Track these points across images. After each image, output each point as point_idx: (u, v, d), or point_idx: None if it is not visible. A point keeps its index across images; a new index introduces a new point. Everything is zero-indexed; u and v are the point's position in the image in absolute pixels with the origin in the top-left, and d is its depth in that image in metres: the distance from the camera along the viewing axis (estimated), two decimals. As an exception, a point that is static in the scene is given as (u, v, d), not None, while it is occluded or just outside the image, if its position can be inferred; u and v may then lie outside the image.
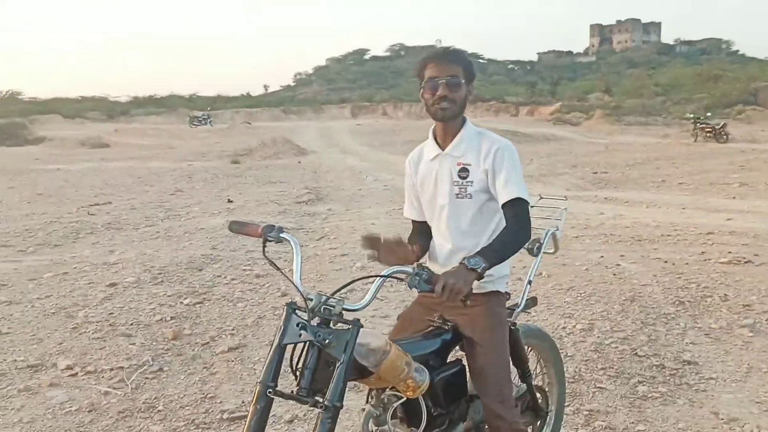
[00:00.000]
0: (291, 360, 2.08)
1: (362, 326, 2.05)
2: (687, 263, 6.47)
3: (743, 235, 7.53)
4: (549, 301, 5.54)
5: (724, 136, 24.85)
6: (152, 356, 4.69)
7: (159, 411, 3.87)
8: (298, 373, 2.08)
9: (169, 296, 6.04)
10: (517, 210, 2.36)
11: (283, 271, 2.30)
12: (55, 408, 3.88)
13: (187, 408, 3.91)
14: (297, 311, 2.08)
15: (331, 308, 2.06)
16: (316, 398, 2.02)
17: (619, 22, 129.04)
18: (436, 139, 2.56)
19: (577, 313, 5.18)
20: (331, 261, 7.31)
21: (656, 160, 17.53)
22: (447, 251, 2.55)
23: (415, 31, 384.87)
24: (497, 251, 2.22)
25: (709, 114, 28.78)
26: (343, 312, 2.06)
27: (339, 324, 2.09)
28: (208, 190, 13.60)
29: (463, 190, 2.48)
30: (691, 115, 27.74)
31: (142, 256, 7.58)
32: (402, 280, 2.09)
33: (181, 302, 5.87)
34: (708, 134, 25.40)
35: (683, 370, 4.14)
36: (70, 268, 7.10)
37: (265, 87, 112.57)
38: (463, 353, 2.59)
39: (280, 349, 2.06)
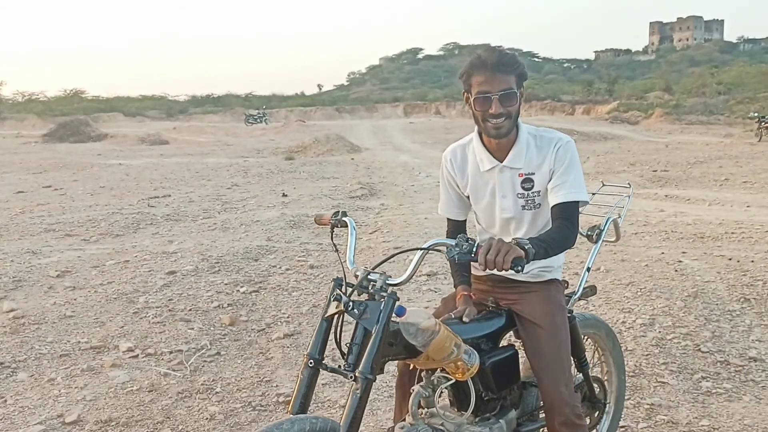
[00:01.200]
0: (336, 333, 2.10)
1: (398, 299, 2.04)
2: (753, 261, 6.23)
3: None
4: (608, 295, 5.42)
5: (787, 136, 23.88)
6: (210, 341, 4.78)
7: (216, 393, 3.94)
8: (345, 348, 2.10)
9: (225, 284, 6.15)
10: (567, 213, 2.26)
11: (338, 249, 2.32)
12: (117, 387, 3.99)
13: (244, 390, 3.97)
14: (342, 285, 2.11)
15: (374, 282, 2.07)
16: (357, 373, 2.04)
17: (680, 19, 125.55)
18: (486, 148, 2.40)
19: (638, 308, 5.04)
20: (384, 253, 7.31)
21: (719, 159, 16.94)
22: None
23: (469, 29, 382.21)
24: (544, 246, 2.09)
25: (775, 112, 27.69)
26: (386, 286, 2.06)
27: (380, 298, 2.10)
28: (263, 185, 13.79)
29: (530, 201, 2.38)
30: (756, 114, 26.72)
31: (200, 246, 7.74)
32: (443, 251, 2.05)
33: (238, 290, 5.97)
34: (768, 133, 24.44)
35: (749, 367, 3.99)
36: (131, 256, 7.31)
37: (319, 86, 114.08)
38: (517, 339, 2.55)
39: (325, 322, 2.09)
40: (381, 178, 14.79)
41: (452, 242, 2.01)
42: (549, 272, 2.45)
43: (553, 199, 2.29)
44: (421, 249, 2.15)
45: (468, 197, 2.52)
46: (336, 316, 2.11)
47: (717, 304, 5.09)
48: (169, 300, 5.66)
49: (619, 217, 2.92)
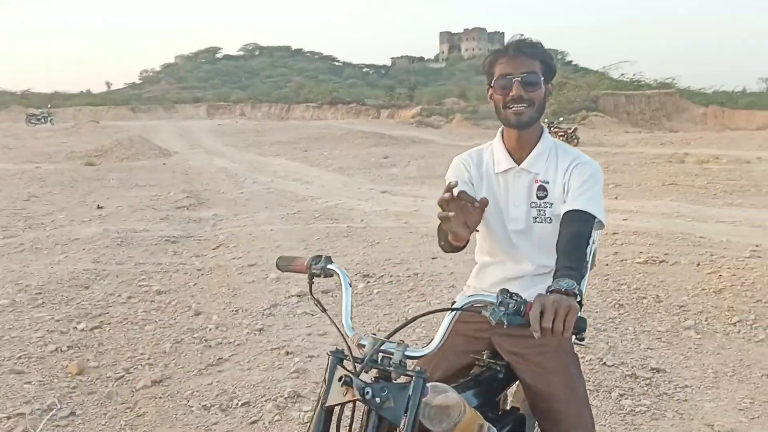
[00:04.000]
0: (338, 427, 1.60)
1: (428, 378, 1.57)
2: (607, 264, 6.51)
3: (646, 234, 7.76)
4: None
5: (575, 140, 26.39)
6: (57, 397, 3.88)
7: (87, 470, 3.14)
8: None
9: (57, 321, 5.15)
10: (582, 227, 1.92)
11: (328, 312, 1.81)
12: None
13: (123, 463, 3.21)
14: (344, 361, 1.60)
15: (390, 356, 1.59)
16: None
17: (466, 30, 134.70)
18: (506, 148, 2.13)
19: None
20: (240, 272, 6.64)
21: (526, 162, 18.12)
22: (522, 280, 2.14)
23: (269, 31, 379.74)
24: (579, 269, 1.76)
25: (561, 119, 30.57)
26: (405, 360, 1.59)
27: (399, 376, 1.61)
28: (68, 195, 12.19)
29: (541, 212, 2.08)
30: (546, 121, 29.27)
31: (10, 273, 6.50)
32: (478, 312, 1.64)
33: (75, 327, 5.02)
34: (561, 138, 26.86)
35: (656, 379, 4.02)
36: None
37: (108, 84, 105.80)
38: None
39: (325, 413, 1.58)
40: (204, 185, 13.79)
41: (493, 299, 1.58)
42: None
43: (570, 206, 1.96)
44: (454, 309, 1.68)
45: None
46: (341, 405, 1.60)
47: (597, 312, 5.18)
48: (-12, 347, 4.58)
49: (594, 243, 2.69)
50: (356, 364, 1.58)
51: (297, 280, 6.21)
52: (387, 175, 16.01)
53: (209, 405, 3.79)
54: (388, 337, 1.64)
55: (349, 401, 1.56)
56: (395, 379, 1.58)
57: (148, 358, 4.49)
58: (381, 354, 1.60)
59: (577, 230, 1.91)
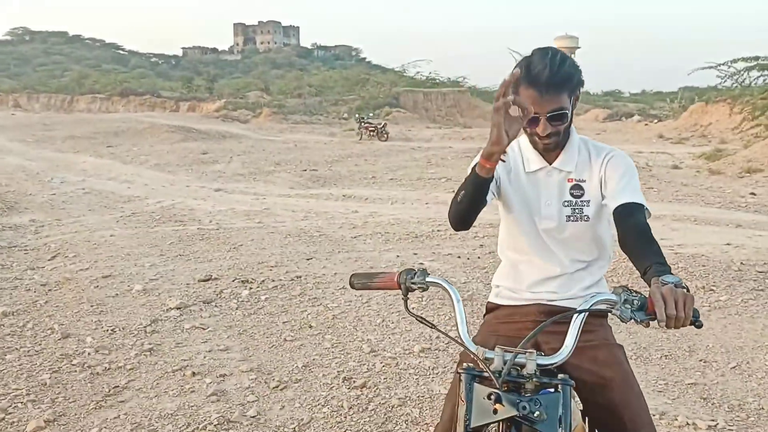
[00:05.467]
0: None
1: (573, 384, 1.57)
2: (479, 257, 6.74)
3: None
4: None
5: (385, 135, 27.24)
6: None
7: None
8: None
9: None
10: (643, 218, 1.93)
11: (438, 327, 1.69)
12: None
13: None
14: (478, 377, 1.55)
15: (520, 367, 1.55)
16: None
17: (261, 23, 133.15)
18: (535, 148, 2.07)
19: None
20: (97, 285, 5.90)
21: (349, 157, 18.35)
22: (560, 279, 2.10)
23: (40, 13, 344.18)
24: (666, 263, 1.75)
25: (372, 114, 31.40)
26: (537, 369, 1.55)
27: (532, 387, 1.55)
28: None
29: (577, 210, 2.05)
30: (357, 116, 29.90)
31: None
32: (607, 311, 1.67)
33: None
34: (371, 133, 27.58)
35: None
36: None
37: None
38: None
39: None
40: (5, 186, 12.14)
41: (615, 298, 1.58)
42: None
43: (618, 201, 1.95)
44: (579, 312, 1.64)
45: (496, 195, 2.12)
46: (500, 425, 1.51)
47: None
48: None
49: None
50: (493, 377, 1.51)
51: (170, 291, 5.69)
52: (212, 171, 15.30)
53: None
54: (522, 345, 1.59)
55: (501, 420, 1.48)
56: (534, 391, 1.52)
57: (27, 394, 3.82)
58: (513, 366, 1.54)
59: (642, 223, 1.90)
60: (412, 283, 1.77)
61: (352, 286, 1.88)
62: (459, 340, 1.66)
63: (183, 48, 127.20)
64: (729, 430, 3.41)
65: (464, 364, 1.64)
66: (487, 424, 1.52)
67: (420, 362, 4.21)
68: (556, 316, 1.73)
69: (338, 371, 4.11)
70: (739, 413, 3.59)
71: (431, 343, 4.49)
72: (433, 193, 11.57)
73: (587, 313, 1.66)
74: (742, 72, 20.28)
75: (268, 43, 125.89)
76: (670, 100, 42.85)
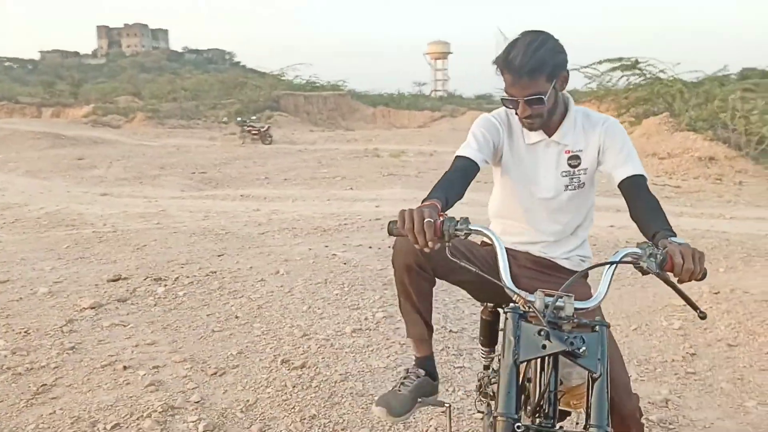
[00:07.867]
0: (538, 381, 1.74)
1: (609, 325, 1.73)
2: (390, 247, 6.98)
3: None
4: (324, 299, 5.35)
5: (269, 138, 27.04)
6: None
7: None
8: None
9: None
10: (647, 188, 2.09)
11: (481, 270, 1.80)
12: None
13: None
14: (520, 315, 1.68)
15: (560, 309, 1.69)
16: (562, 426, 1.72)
17: (127, 26, 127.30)
18: (522, 124, 2.20)
19: (368, 304, 5.14)
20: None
21: (236, 160, 18.09)
22: (540, 242, 2.31)
23: None
24: (672, 229, 1.89)
25: (254, 117, 31.00)
26: (575, 311, 1.69)
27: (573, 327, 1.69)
28: None
29: (575, 180, 2.21)
30: (240, 119, 29.43)
31: None
32: (634, 263, 1.76)
33: None
34: (255, 136, 27.28)
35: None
36: None
37: None
38: None
39: (517, 369, 1.63)
40: None
41: (641, 252, 1.74)
42: (585, 262, 2.36)
43: (624, 173, 2.11)
44: (611, 263, 1.81)
45: (493, 161, 2.25)
46: (539, 360, 1.71)
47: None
48: None
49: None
50: (541, 316, 1.63)
51: (78, 292, 5.49)
52: (91, 177, 14.62)
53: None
54: (562, 290, 1.70)
55: (550, 354, 1.62)
56: (571, 330, 1.65)
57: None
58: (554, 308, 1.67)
59: (647, 194, 2.07)
60: (456, 230, 1.77)
61: (390, 233, 1.84)
62: (505, 284, 1.78)
63: (41, 52, 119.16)
64: (641, 380, 3.82)
65: (510, 304, 1.72)
66: (529, 360, 1.67)
67: (354, 341, 4.36)
68: (593, 265, 1.89)
69: (275, 355, 4.17)
70: (647, 366, 4.02)
71: (361, 324, 4.65)
72: (331, 190, 11.72)
73: (617, 264, 1.79)
74: (606, 73, 21.80)
75: (135, 46, 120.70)
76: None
